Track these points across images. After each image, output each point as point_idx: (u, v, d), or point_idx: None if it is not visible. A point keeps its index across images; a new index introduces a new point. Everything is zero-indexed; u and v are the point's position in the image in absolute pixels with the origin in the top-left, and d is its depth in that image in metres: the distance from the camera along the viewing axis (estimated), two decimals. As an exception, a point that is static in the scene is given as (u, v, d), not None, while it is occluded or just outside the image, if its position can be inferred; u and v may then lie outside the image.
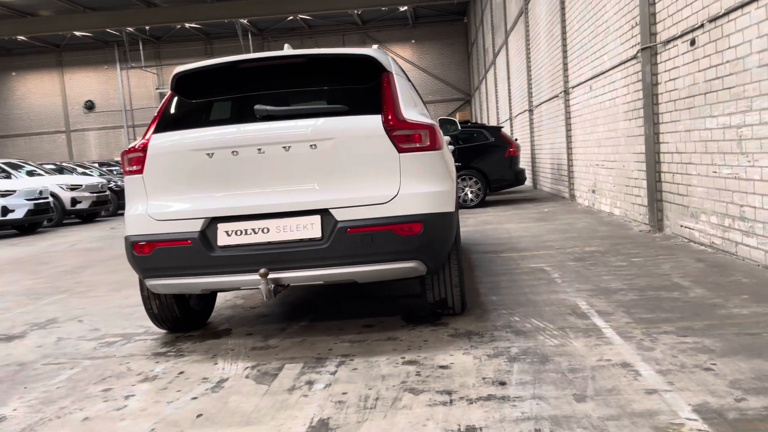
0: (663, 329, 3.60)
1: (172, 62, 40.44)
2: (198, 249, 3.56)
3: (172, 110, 3.93)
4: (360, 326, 4.17)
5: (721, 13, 5.30)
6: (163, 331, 4.45)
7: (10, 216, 13.10)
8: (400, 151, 3.58)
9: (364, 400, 2.89)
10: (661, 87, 6.85)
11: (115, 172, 21.81)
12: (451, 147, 7.05)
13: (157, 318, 4.23)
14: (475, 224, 9.48)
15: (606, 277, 5.07)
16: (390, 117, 3.60)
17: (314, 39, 38.87)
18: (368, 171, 3.56)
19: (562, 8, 11.36)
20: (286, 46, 4.35)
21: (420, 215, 3.54)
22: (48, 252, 10.19)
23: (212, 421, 2.80)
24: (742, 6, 4.94)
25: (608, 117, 8.96)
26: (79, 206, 15.66)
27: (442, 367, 3.26)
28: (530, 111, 16.07)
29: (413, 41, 38.60)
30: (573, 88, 11.09)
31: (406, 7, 33.44)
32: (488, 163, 12.06)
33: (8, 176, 15.18)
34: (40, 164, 18.74)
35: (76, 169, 19.81)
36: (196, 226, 3.58)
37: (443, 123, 5.20)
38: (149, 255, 3.65)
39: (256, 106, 3.64)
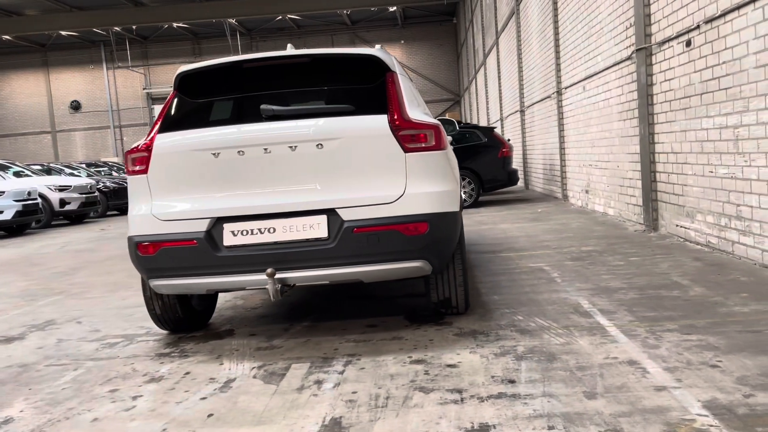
0: (666, 327, 3.64)
1: (160, 62, 40.23)
2: (204, 249, 3.54)
3: (176, 110, 3.91)
4: (363, 326, 4.18)
5: (717, 15, 5.36)
6: (165, 331, 4.43)
7: (-2, 217, 12.97)
8: (406, 150, 3.59)
9: (374, 399, 2.90)
10: (656, 87, 6.91)
11: (103, 173, 21.64)
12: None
13: (159, 319, 4.21)
14: (470, 224, 9.51)
15: (605, 276, 5.11)
16: (396, 117, 3.61)
17: (303, 39, 38.79)
18: (374, 171, 3.57)
19: (555, 9, 11.43)
20: (288, 46, 4.35)
21: (426, 215, 3.55)
22: (39, 253, 10.10)
23: (223, 420, 2.79)
24: (738, 8, 5.00)
25: (602, 117, 9.03)
26: (67, 207, 15.53)
27: (450, 366, 3.27)
28: (522, 111, 16.15)
29: (402, 42, 38.65)
30: (566, 88, 11.16)
31: (395, 8, 33.48)
32: (481, 164, 12.10)
33: (-4, 177, 15.03)
34: (28, 165, 18.56)
35: (63, 169, 19.64)
36: (202, 226, 3.57)
37: (442, 123, 5.21)
38: (154, 255, 3.63)
39: (262, 106, 3.63)
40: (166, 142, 3.68)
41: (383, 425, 2.61)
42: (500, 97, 20.68)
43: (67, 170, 19.59)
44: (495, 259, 6.30)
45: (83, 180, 16.45)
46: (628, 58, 7.67)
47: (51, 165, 19.85)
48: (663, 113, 6.78)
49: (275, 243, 3.54)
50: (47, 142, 40.86)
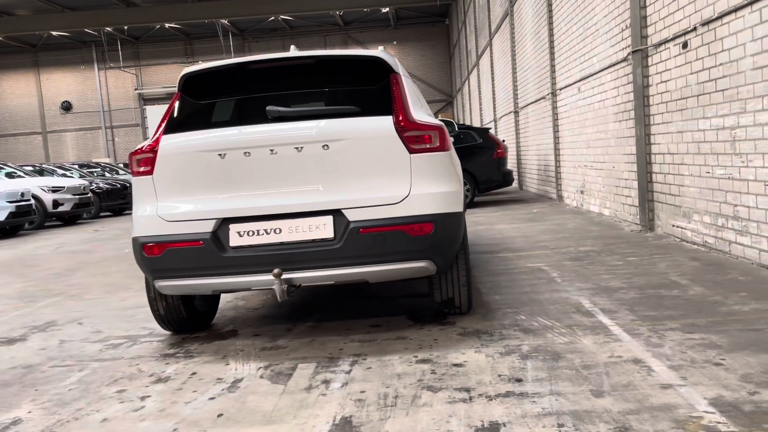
0: (668, 326, 3.68)
1: (151, 63, 40.10)
2: (210, 250, 3.55)
3: (181, 111, 3.92)
4: (367, 326, 4.20)
5: (714, 17, 5.42)
6: (168, 332, 4.43)
7: (-8, 218, 12.90)
8: (411, 151, 3.61)
9: (383, 399, 2.92)
10: (653, 89, 6.97)
11: (95, 174, 21.54)
12: None
13: (163, 319, 4.21)
14: (466, 225, 9.54)
15: (605, 276, 5.15)
16: (401, 118, 3.64)
17: (296, 40, 38.76)
18: (380, 171, 3.59)
19: (549, 11, 11.49)
20: (292, 47, 4.37)
21: (431, 215, 3.58)
22: (33, 255, 10.06)
23: (234, 420, 2.81)
24: (735, 10, 5.06)
25: (597, 118, 9.09)
26: (61, 208, 15.45)
27: (456, 365, 3.29)
28: (516, 112, 16.21)
29: (395, 42, 38.69)
30: (561, 89, 11.22)
31: (387, 9, 33.53)
32: (476, 165, 12.14)
33: (-11, 178, 14.94)
34: (20, 166, 18.45)
35: (56, 170, 19.54)
36: (208, 227, 3.58)
37: (442, 124, 5.24)
38: (159, 256, 3.63)
39: (269, 107, 3.65)
40: (172, 143, 3.69)
41: (394, 424, 2.64)
42: (494, 98, 20.75)
43: (60, 171, 19.48)
44: (493, 260, 6.34)
45: (76, 181, 16.37)
46: (624, 59, 7.73)
47: (43, 166, 19.74)
48: (659, 114, 6.84)
49: (281, 243, 3.55)
50: (38, 143, 40.63)
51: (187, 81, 3.97)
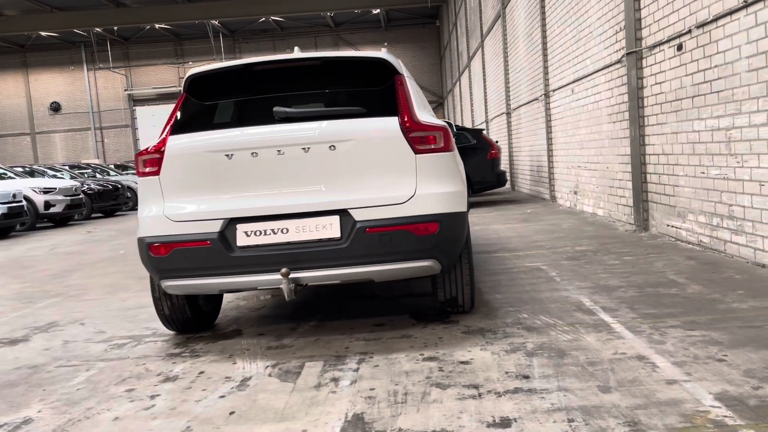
0: (669, 323, 3.74)
1: (141, 63, 39.94)
2: (217, 249, 3.58)
3: (187, 112, 3.94)
4: (371, 325, 4.23)
5: (709, 20, 5.51)
6: (172, 332, 4.45)
7: (-17, 220, 12.82)
8: (417, 152, 3.66)
9: (393, 396, 2.95)
10: (647, 90, 7.06)
11: (86, 175, 21.42)
12: None
13: (167, 319, 4.23)
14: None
15: (603, 275, 5.21)
16: (406, 119, 3.68)
17: (286, 41, 38.76)
18: (385, 172, 3.63)
19: (543, 13, 11.58)
20: (296, 48, 4.40)
21: (436, 215, 3.62)
22: (27, 256, 10.01)
23: (246, 418, 2.83)
24: (731, 13, 5.14)
25: (591, 120, 9.17)
26: (52, 210, 15.37)
27: (462, 362, 3.34)
28: (508, 114, 16.30)
29: (386, 44, 38.74)
30: (554, 91, 11.31)
31: (378, 10, 33.61)
32: (470, 165, 12.14)
33: (-21, 179, 14.84)
34: (10, 167, 18.33)
35: (46, 171, 19.43)
36: (215, 227, 3.61)
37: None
38: (166, 256, 3.65)
39: (276, 108, 3.68)
40: (179, 143, 3.71)
41: (406, 420, 2.67)
42: (485, 100, 20.85)
43: (50, 172, 19.37)
44: (491, 259, 6.39)
45: (68, 182, 16.28)
46: (618, 61, 7.81)
47: (34, 167, 19.62)
48: (654, 116, 6.92)
49: (288, 243, 3.58)
50: (26, 144, 40.34)
51: (193, 82, 3.99)
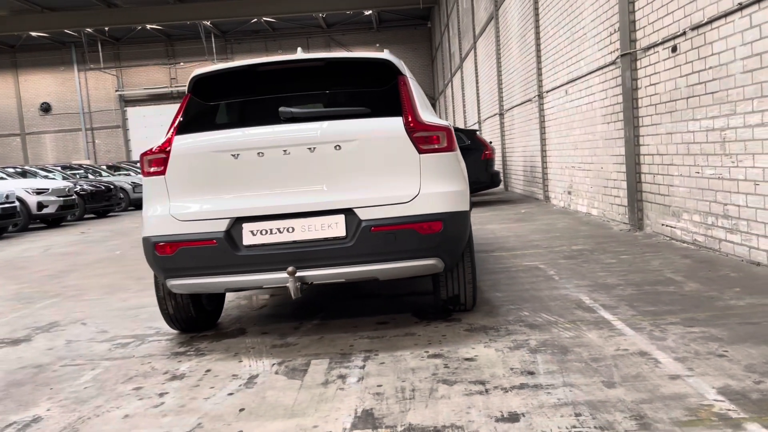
0: (669, 320, 3.80)
1: (132, 64, 39.80)
2: (223, 248, 3.61)
3: (192, 112, 3.96)
4: (374, 323, 4.27)
5: (704, 22, 5.59)
6: (175, 331, 4.47)
7: (-24, 221, 12.75)
8: (421, 152, 3.70)
9: (401, 392, 2.99)
10: (642, 92, 7.14)
11: (78, 176, 21.32)
12: None
13: (172, 318, 4.25)
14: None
15: (601, 274, 5.28)
16: (410, 119, 3.72)
17: (278, 42, 38.75)
18: (390, 171, 3.67)
19: (536, 15, 11.66)
20: (299, 49, 4.44)
21: (440, 214, 3.67)
22: (22, 257, 9.97)
23: (256, 414, 2.86)
24: (725, 15, 5.22)
25: (585, 120, 9.25)
26: (45, 210, 15.30)
27: (467, 359, 3.38)
28: (501, 115, 16.39)
29: (378, 45, 38.81)
30: (547, 92, 11.39)
31: (370, 12, 33.66)
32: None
33: (-29, 180, 14.75)
34: (2, 168, 18.23)
35: (38, 172, 19.33)
36: (221, 226, 3.63)
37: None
38: (172, 255, 3.68)
39: (281, 108, 3.71)
40: (185, 143, 3.73)
41: (415, 415, 2.71)
42: (478, 101, 20.93)
43: (43, 173, 19.28)
44: (489, 259, 6.45)
45: (61, 183, 16.22)
46: (613, 63, 7.89)
47: (26, 168, 19.51)
48: (648, 116, 7.00)
49: (294, 242, 3.62)
50: (16, 145, 40.10)
51: (197, 83, 4.02)
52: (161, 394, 3.21)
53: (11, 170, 18.14)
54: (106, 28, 34.76)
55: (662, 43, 6.49)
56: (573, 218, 9.36)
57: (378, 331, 4.06)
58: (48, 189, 15.42)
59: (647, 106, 7.02)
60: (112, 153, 40.30)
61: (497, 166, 17.45)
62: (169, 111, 39.73)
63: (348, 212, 3.63)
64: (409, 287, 5.31)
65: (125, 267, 7.87)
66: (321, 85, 4.11)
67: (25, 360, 4.04)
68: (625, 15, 7.26)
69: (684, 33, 5.99)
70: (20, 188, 14.98)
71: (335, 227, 3.62)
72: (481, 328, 3.94)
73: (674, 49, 6.25)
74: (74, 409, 3.09)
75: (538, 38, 11.73)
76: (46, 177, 18.83)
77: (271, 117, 3.81)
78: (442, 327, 4.05)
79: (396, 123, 3.71)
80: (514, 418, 2.61)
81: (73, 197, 16.37)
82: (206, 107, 4.02)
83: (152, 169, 3.79)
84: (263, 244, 3.62)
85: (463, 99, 25.18)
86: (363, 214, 3.61)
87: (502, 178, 17.21)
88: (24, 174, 18.37)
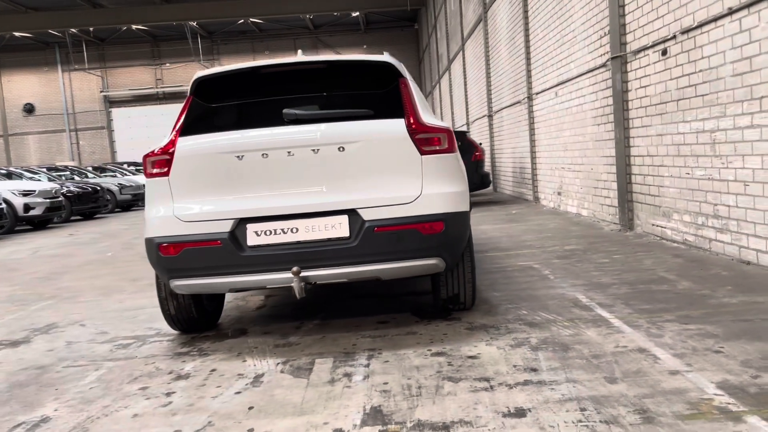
0: (665, 318, 3.89)
1: (117, 65, 39.52)
2: (228, 249, 3.64)
3: (195, 114, 3.99)
4: (375, 323, 4.32)
5: (694, 26, 5.70)
6: (175, 332, 4.48)
7: (-38, 223, 12.61)
8: (422, 153, 3.76)
9: (407, 389, 3.04)
10: (632, 94, 7.25)
11: (64, 178, 21.15)
12: None
13: (173, 319, 4.27)
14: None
15: (595, 273, 5.36)
16: (413, 121, 3.78)
17: (266, 43, 38.66)
18: (392, 172, 3.72)
19: (525, 18, 11.77)
20: (299, 52, 4.47)
21: (441, 214, 3.72)
22: (11, 259, 9.90)
23: (266, 412, 2.90)
24: (716, 19, 5.34)
25: (575, 122, 9.37)
26: (32, 212, 15.15)
27: (470, 357, 3.44)
28: (490, 116, 16.50)
29: (365, 46, 38.86)
30: (537, 94, 11.50)
31: (357, 13, 33.71)
32: (455, 167, 12.32)
33: (-43, 181, 14.59)
34: (-13, 169, 18.05)
35: (24, 174, 19.14)
36: (226, 227, 3.67)
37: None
38: (176, 256, 3.70)
39: (285, 110, 3.76)
40: (190, 145, 3.76)
41: (423, 411, 2.77)
42: (466, 102, 21.05)
43: (28, 174, 19.10)
44: (484, 259, 6.52)
45: (47, 184, 16.09)
46: (603, 65, 8.00)
47: (11, 169, 19.33)
48: (638, 118, 7.12)
49: (298, 242, 3.66)
50: (-1, 146, 39.64)
51: (200, 85, 4.05)
52: (168, 394, 3.23)
53: (-4, 172, 17.95)
54: (91, 29, 34.48)
55: (653, 46, 6.60)
56: (563, 219, 9.47)
57: (379, 330, 4.11)
58: (35, 191, 15.29)
59: (637, 108, 7.13)
60: (96, 154, 39.98)
61: (486, 167, 17.56)
62: (155, 112, 39.53)
63: (351, 213, 3.68)
64: (408, 287, 5.36)
65: (118, 269, 7.85)
66: (323, 87, 4.15)
67: (26, 361, 4.04)
68: (616, 18, 7.37)
69: (674, 36, 6.11)
70: (6, 190, 14.84)
71: (339, 228, 3.66)
72: (481, 327, 4.00)
73: (664, 52, 6.36)
74: (82, 409, 3.10)
75: (527, 40, 11.84)
76: (31, 179, 18.67)
77: (274, 119, 3.84)
78: (443, 326, 4.10)
79: (398, 125, 3.76)
80: (520, 413, 2.67)
81: (60, 199, 16.25)
82: (208, 109, 4.05)
83: (155, 171, 3.81)
84: (268, 245, 3.65)
85: (451, 101, 25.30)
86: (366, 215, 3.66)
87: (491, 179, 17.33)
88: (9, 176, 18.19)
